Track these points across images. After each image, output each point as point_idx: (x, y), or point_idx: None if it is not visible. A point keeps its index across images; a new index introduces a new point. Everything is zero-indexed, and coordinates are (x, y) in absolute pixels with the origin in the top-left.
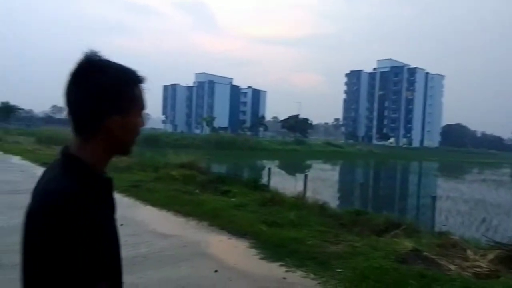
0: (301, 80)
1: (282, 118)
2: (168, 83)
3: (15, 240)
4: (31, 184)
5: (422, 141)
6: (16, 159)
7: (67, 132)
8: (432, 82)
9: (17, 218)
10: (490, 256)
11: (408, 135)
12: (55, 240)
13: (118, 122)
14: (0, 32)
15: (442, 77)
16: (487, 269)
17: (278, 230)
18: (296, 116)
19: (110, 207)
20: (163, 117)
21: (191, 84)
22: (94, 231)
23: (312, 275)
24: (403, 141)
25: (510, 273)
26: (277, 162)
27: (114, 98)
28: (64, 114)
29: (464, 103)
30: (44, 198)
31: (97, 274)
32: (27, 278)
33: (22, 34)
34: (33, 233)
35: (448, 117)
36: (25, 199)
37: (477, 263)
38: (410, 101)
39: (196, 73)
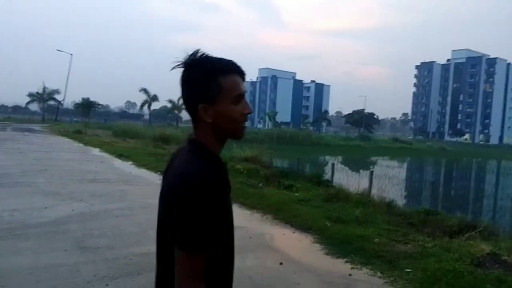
0: (367, 73)
1: (346, 113)
2: None
3: (96, 225)
4: (110, 174)
5: (501, 138)
6: (96, 151)
7: (139, 126)
8: None
9: (97, 205)
10: None
11: (486, 131)
12: (200, 211)
13: (207, 109)
14: (82, 37)
15: None
16: None
17: (343, 226)
18: (361, 111)
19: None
20: None
21: (254, 79)
22: (225, 204)
23: (379, 274)
24: (479, 137)
25: None
26: (340, 158)
27: (199, 88)
28: (136, 109)
29: None
30: (187, 178)
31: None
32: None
33: (102, 37)
34: (181, 207)
35: None
36: (104, 188)
37: None
38: (488, 95)
39: (260, 68)
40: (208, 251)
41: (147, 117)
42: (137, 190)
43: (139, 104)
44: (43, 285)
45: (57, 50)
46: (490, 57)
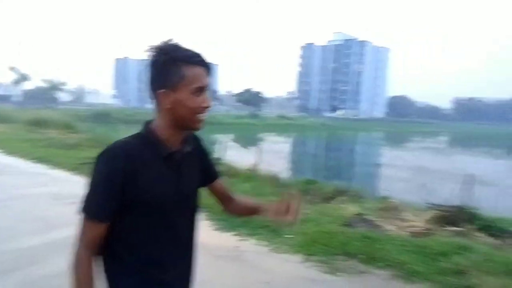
0: (257, 53)
1: (237, 92)
2: (120, 57)
3: None
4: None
5: (370, 113)
6: None
7: (9, 108)
8: (379, 55)
9: None
10: (426, 216)
11: (357, 107)
12: (93, 176)
13: (165, 95)
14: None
15: (387, 50)
16: (422, 228)
17: None
18: (250, 90)
19: (170, 170)
20: (113, 92)
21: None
22: (125, 174)
23: (264, 242)
24: (352, 113)
25: (443, 231)
26: (232, 136)
27: (162, 73)
28: (3, 90)
29: (410, 76)
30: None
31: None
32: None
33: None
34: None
35: (396, 90)
36: None
37: (413, 223)
38: (359, 74)
39: None
40: (97, 218)
41: (17, 98)
42: (8, 181)
43: (6, 84)
44: None
45: None
46: (360, 39)
